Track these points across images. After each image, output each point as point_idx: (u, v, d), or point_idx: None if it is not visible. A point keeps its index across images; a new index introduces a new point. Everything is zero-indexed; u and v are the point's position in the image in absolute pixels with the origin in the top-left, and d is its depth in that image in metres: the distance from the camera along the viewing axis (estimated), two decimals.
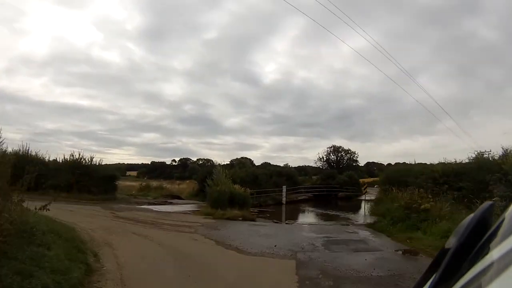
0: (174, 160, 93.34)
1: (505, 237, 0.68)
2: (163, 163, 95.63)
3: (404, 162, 40.80)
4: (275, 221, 23.23)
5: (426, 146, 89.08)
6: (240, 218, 21.21)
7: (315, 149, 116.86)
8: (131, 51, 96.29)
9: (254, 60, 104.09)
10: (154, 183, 47.86)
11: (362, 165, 73.40)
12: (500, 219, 0.80)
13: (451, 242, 0.87)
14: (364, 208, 30.81)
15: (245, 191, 26.51)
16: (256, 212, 26.76)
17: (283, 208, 34.71)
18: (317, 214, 30.64)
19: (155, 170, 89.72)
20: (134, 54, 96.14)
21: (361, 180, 55.25)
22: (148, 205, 28.42)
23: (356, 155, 62.53)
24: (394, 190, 21.85)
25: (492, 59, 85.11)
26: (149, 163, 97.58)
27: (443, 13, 75.50)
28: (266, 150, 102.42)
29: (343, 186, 47.20)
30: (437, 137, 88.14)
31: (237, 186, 26.71)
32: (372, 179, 71.95)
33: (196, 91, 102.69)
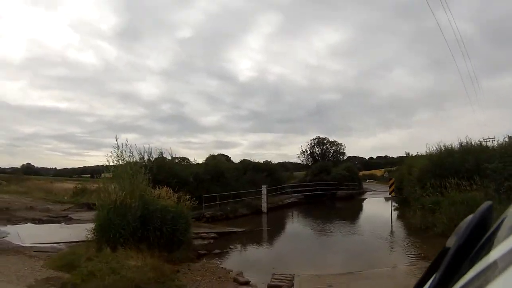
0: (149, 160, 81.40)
1: (505, 237, 0.68)
2: None
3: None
4: (250, 265, 11.48)
5: (404, 139, 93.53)
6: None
7: (294, 145, 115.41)
8: (106, 51, 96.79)
9: (228, 58, 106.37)
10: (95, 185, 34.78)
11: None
12: (500, 219, 0.79)
13: (452, 241, 0.85)
14: (392, 215, 19.14)
15: (180, 204, 13.10)
16: (213, 236, 15.07)
17: (264, 220, 22.52)
18: (324, 234, 17.47)
19: None
20: (109, 54, 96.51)
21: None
22: (20, 222, 16.32)
23: (343, 147, 51.62)
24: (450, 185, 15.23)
25: (465, 51, 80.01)
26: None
27: (415, 6, 72.97)
28: (244, 147, 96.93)
29: (342, 182, 35.37)
30: (413, 130, 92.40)
31: (163, 191, 13.92)
32: (369, 171, 62.40)
33: (172, 89, 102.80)
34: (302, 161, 52.61)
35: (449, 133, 75.73)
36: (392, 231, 16.47)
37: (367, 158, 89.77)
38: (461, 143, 17.93)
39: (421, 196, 16.75)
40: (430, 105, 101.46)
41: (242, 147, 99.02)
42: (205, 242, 13.98)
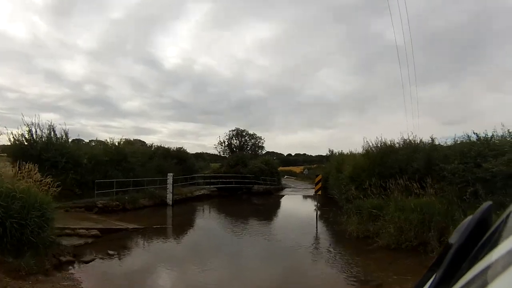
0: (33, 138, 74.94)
1: (505, 237, 0.68)
2: None
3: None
4: None
5: (324, 139, 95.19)
6: None
7: (213, 136, 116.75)
8: (36, 26, 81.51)
9: (156, 44, 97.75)
10: None
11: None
12: (500, 219, 0.79)
13: (455, 237, 0.86)
14: (317, 218, 17.22)
15: (34, 189, 9.29)
16: (94, 234, 11.71)
17: (167, 214, 19.49)
18: (237, 239, 14.06)
19: None
20: (39, 29, 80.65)
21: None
22: None
23: (262, 141, 50.15)
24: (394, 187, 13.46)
25: (394, 59, 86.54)
26: None
27: (348, 11, 79.40)
28: (164, 135, 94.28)
29: (259, 177, 33.45)
30: (335, 131, 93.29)
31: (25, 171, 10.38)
32: (288, 168, 61.91)
33: (98, 71, 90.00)
34: (219, 152, 50.12)
35: (372, 136, 77.62)
36: (317, 238, 13.90)
37: (285, 155, 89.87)
38: (406, 139, 16.00)
39: (357, 198, 14.72)
40: (354, 108, 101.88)
41: (161, 135, 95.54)
42: (81, 242, 10.65)
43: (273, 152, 77.07)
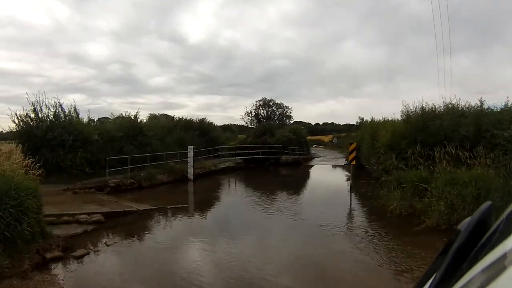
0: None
1: (505, 237, 0.67)
2: None
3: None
4: None
5: (352, 107, 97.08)
6: None
7: (241, 108, 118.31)
8: (57, 11, 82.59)
9: (180, 21, 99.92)
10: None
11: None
12: (500, 219, 0.79)
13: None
14: (350, 192, 15.28)
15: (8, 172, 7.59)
16: (96, 220, 10.09)
17: (188, 190, 18.03)
18: (266, 219, 11.85)
19: None
20: (60, 14, 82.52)
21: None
22: None
23: (290, 110, 47.78)
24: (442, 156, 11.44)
25: (418, 30, 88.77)
26: None
27: None
28: (191, 109, 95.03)
29: (288, 146, 31.52)
30: (362, 100, 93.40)
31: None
32: (316, 137, 59.80)
33: (122, 51, 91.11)
34: (246, 123, 48.36)
35: (398, 107, 76.22)
36: (351, 215, 12.08)
37: (313, 124, 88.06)
38: (449, 103, 13.94)
39: (398, 168, 12.79)
40: (380, 78, 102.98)
41: (188, 109, 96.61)
42: (79, 230, 9.14)
43: (300, 121, 75.57)
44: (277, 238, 9.53)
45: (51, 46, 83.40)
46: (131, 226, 10.28)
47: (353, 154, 15.75)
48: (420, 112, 14.37)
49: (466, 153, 10.73)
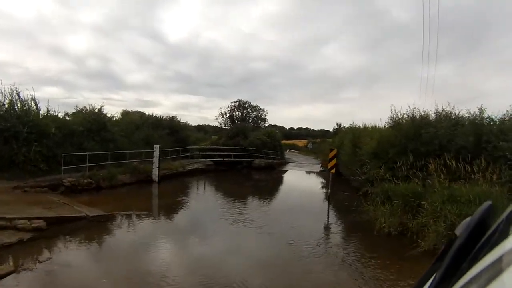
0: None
1: (505, 237, 0.67)
2: None
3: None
4: None
5: (328, 113, 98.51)
6: None
7: (217, 109, 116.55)
8: (40, 2, 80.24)
9: (161, 18, 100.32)
10: None
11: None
12: (500, 219, 0.78)
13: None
14: (329, 204, 14.45)
15: None
16: (36, 227, 8.75)
17: (151, 193, 16.76)
18: (220, 223, 11.51)
19: None
20: (43, 6, 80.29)
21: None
22: None
23: (265, 113, 47.39)
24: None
25: (399, 38, 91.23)
26: None
27: None
28: (166, 108, 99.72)
29: (261, 150, 30.72)
30: (339, 106, 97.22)
31: None
32: (290, 141, 59.50)
33: (102, 45, 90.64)
34: (220, 124, 47.48)
35: (376, 114, 77.45)
36: (328, 232, 10.91)
37: (288, 128, 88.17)
38: (442, 110, 13.21)
39: (384, 180, 11.92)
40: (359, 84, 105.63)
41: (164, 107, 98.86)
42: (13, 239, 7.75)
43: (275, 125, 75.86)
44: (234, 259, 8.46)
45: (31, 37, 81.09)
46: (75, 236, 8.90)
47: (333, 162, 14.75)
48: (410, 118, 13.63)
49: (467, 166, 9.97)
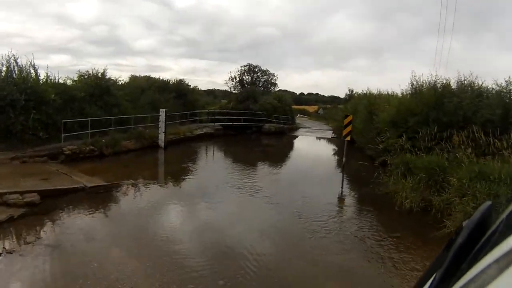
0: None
1: (505, 237, 0.66)
2: None
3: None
4: None
5: (337, 80, 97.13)
6: None
7: (226, 74, 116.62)
8: None
9: None
10: None
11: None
12: (500, 219, 0.78)
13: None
14: (343, 174, 13.72)
15: None
16: (29, 201, 8.14)
17: (157, 160, 16.31)
18: (226, 192, 10.91)
19: None
20: None
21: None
22: None
23: (275, 77, 45.80)
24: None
25: (409, 8, 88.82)
26: None
27: None
28: (176, 72, 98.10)
29: (271, 114, 29.78)
30: (348, 73, 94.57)
31: None
32: (301, 106, 58.10)
33: (108, 11, 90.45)
34: (230, 88, 46.43)
35: (385, 83, 76.31)
36: (342, 205, 10.12)
37: (297, 94, 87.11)
38: (464, 80, 12.14)
39: (403, 150, 11.16)
40: (368, 53, 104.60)
41: (173, 72, 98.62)
42: (3, 217, 7.15)
43: (285, 90, 75.12)
44: (238, 230, 7.83)
45: (36, 7, 79.80)
46: (69, 211, 8.29)
47: (349, 128, 13.81)
48: (432, 86, 12.66)
49: (496, 140, 9.08)
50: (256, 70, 45.81)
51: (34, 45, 76.44)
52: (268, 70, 45.67)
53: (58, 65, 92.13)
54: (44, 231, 7.12)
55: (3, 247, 6.18)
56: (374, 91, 20.71)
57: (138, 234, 7.26)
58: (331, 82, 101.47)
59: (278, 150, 22.24)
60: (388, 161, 11.68)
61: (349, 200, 10.89)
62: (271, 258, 6.37)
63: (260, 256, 6.36)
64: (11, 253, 6.04)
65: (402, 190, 9.40)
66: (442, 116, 11.15)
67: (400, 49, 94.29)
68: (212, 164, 16.38)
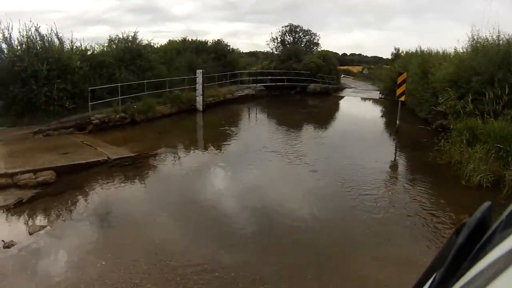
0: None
1: (505, 237, 0.66)
2: None
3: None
4: None
5: (379, 40, 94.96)
6: None
7: (267, 36, 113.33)
8: None
9: None
10: None
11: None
12: (500, 219, 0.76)
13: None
14: (396, 145, 11.97)
15: None
16: (42, 181, 6.99)
17: (193, 124, 15.17)
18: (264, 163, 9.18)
19: None
20: None
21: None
22: None
23: (317, 37, 43.02)
24: None
25: None
26: None
27: None
28: (216, 36, 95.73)
29: (316, 74, 27.52)
30: (389, 33, 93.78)
31: None
32: (343, 67, 54.96)
33: None
34: (272, 49, 44.48)
35: (428, 43, 71.30)
36: (399, 178, 8.50)
37: (340, 54, 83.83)
38: None
39: (469, 114, 9.33)
40: (409, 13, 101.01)
41: (213, 35, 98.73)
42: (10, 201, 6.17)
43: (327, 51, 72.48)
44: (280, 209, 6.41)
45: None
46: (85, 191, 7.07)
47: (403, 88, 12.02)
48: (496, 42, 10.74)
49: None
50: (298, 30, 43.50)
51: (71, 19, 77.36)
52: (310, 30, 43.21)
53: (96, 36, 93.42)
54: (51, 218, 5.91)
55: (3, 240, 5.00)
56: (427, 48, 18.42)
57: (154, 226, 5.87)
58: (373, 42, 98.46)
59: (324, 111, 20.60)
60: (451, 126, 9.76)
61: (406, 169, 9.35)
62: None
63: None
64: (10, 246, 4.88)
65: (469, 161, 7.78)
66: (509, 77, 9.34)
67: (442, 9, 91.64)
68: (254, 128, 14.99)
